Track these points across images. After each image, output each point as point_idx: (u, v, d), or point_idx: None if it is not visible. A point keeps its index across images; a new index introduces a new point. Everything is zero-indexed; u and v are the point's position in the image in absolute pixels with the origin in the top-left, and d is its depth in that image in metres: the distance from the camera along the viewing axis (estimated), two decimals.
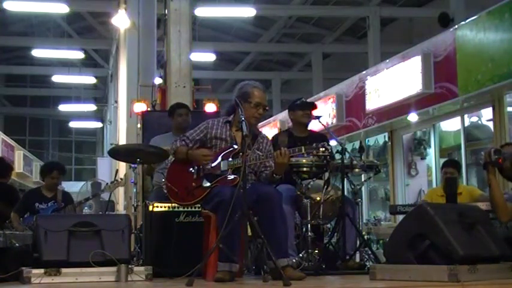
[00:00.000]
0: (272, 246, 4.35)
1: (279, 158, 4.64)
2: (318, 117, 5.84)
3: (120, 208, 12.96)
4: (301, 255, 5.30)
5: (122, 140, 13.44)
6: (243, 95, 4.88)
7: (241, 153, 4.63)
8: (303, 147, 4.72)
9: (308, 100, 6.15)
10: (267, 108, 4.92)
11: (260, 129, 5.46)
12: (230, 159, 4.81)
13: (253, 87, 4.93)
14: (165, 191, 5.04)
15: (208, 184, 4.80)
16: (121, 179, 6.72)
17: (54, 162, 8.27)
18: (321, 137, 5.85)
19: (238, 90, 4.95)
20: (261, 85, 5.02)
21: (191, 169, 4.87)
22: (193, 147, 4.94)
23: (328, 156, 5.20)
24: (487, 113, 9.80)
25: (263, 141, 5.03)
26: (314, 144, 4.74)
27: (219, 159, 4.84)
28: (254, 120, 4.88)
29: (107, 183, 6.65)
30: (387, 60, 11.66)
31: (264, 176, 4.91)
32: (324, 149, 4.71)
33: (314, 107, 5.96)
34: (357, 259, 5.56)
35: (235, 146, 4.85)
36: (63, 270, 4.44)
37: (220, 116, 5.32)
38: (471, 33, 9.23)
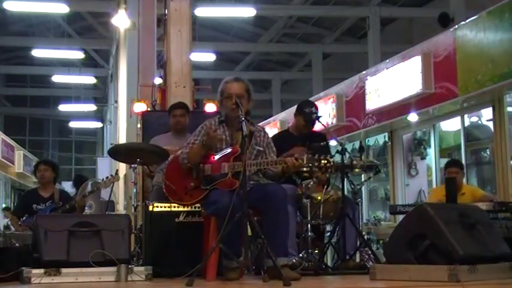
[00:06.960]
0: (273, 244, 4.35)
1: (293, 166, 4.62)
2: (318, 117, 5.84)
3: (120, 208, 12.94)
4: (301, 255, 5.30)
5: (122, 140, 13.43)
6: (220, 95, 4.91)
7: (241, 154, 4.62)
8: (305, 157, 4.65)
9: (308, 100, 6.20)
10: (239, 96, 4.77)
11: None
12: (231, 161, 4.77)
13: (225, 82, 4.95)
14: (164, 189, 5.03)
15: (207, 186, 4.79)
16: (116, 173, 6.64)
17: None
18: (321, 137, 5.84)
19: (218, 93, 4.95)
20: (234, 77, 4.99)
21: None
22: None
23: (329, 170, 5.04)
24: (487, 113, 9.79)
25: (260, 135, 4.98)
26: (316, 156, 4.63)
27: (218, 159, 4.83)
28: (232, 112, 4.80)
29: (103, 179, 6.58)
30: (387, 60, 11.65)
31: (270, 173, 4.89)
32: (326, 161, 4.57)
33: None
34: (357, 259, 5.56)
35: (230, 150, 4.79)
36: (63, 270, 4.44)
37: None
38: (471, 33, 9.21)
